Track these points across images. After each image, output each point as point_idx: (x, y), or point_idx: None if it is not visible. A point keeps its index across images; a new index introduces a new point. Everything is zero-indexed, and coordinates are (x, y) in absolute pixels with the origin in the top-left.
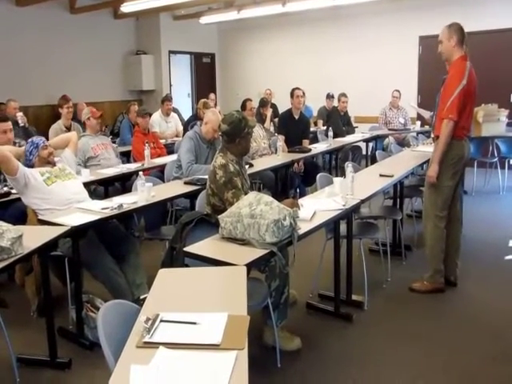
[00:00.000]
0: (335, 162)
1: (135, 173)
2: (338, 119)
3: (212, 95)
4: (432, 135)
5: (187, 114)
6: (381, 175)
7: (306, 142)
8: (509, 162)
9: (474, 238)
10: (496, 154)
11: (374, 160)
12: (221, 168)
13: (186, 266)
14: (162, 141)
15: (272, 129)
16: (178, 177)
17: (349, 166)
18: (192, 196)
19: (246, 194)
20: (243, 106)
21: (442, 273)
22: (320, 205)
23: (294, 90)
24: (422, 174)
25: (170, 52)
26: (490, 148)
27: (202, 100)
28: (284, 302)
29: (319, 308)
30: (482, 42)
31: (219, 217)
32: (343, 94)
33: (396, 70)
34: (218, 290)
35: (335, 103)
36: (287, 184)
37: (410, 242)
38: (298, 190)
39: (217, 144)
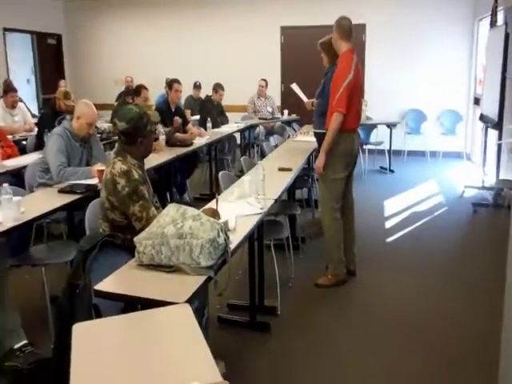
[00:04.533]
0: (214, 153)
1: None
2: (212, 110)
3: (62, 82)
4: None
5: (28, 103)
6: (280, 169)
7: (191, 128)
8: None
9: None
10: None
11: (245, 150)
12: (122, 176)
13: (96, 308)
14: (10, 137)
15: None
16: (46, 183)
17: (259, 164)
18: (70, 207)
19: (152, 204)
20: (137, 93)
21: (343, 263)
22: (237, 210)
23: (173, 82)
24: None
25: (6, 30)
26: None
27: (62, 89)
28: (205, 325)
29: (233, 321)
30: None
31: (135, 239)
32: (220, 86)
33: (261, 59)
34: (167, 347)
35: (209, 92)
36: (171, 181)
37: (303, 234)
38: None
39: (92, 141)
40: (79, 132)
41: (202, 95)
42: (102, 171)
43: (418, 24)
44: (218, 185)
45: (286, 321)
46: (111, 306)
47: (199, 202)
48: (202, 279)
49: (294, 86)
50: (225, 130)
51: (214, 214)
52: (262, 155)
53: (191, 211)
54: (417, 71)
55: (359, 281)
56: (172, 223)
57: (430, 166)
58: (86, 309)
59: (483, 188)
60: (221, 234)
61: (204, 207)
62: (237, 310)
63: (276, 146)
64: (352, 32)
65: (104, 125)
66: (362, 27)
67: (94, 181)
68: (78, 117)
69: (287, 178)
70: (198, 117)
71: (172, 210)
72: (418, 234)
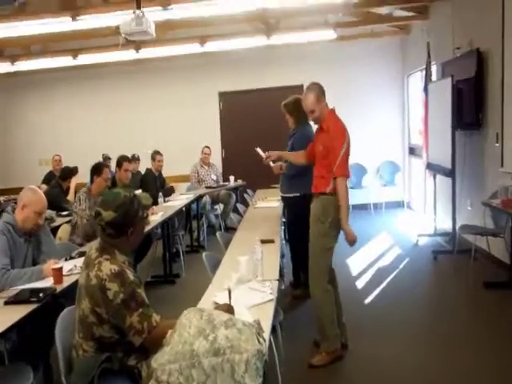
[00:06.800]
0: (166, 231)
1: None
2: (153, 183)
3: None
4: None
5: None
6: (263, 242)
7: None
8: None
9: None
10: None
11: (188, 219)
12: (114, 279)
13: None
14: None
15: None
16: None
17: (256, 242)
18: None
19: None
20: (98, 171)
21: (338, 337)
22: (244, 299)
23: (123, 160)
24: None
25: None
26: None
27: None
28: None
29: None
30: (275, 96)
31: (155, 365)
32: (158, 152)
33: (200, 126)
34: None
35: (148, 164)
36: None
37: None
38: None
39: (42, 234)
40: (25, 224)
41: (142, 169)
42: (59, 270)
43: (351, 83)
44: (171, 265)
45: None
46: None
47: (152, 286)
48: None
49: (259, 150)
50: (176, 203)
51: (230, 311)
52: (209, 225)
53: (218, 315)
54: (354, 127)
55: (355, 353)
56: (201, 335)
57: (375, 217)
58: None
59: (436, 235)
60: (260, 339)
61: (217, 303)
62: None
63: (223, 216)
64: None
65: None
66: (299, 88)
67: (48, 282)
68: (24, 206)
69: (275, 251)
70: (138, 192)
71: (193, 316)
72: (391, 290)
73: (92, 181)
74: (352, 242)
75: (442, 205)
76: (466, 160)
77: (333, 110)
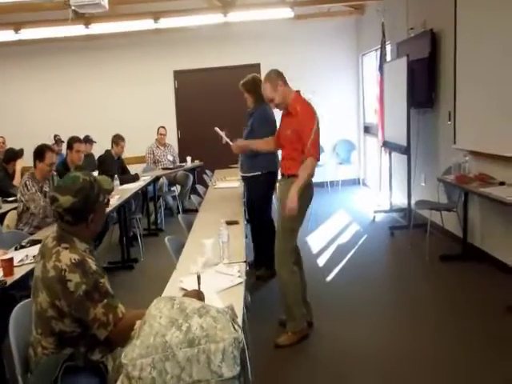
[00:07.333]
0: (123, 215)
1: None
2: (113, 166)
3: None
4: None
5: None
6: (228, 223)
7: None
8: None
9: None
10: None
11: (145, 202)
12: (74, 269)
13: None
14: None
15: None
16: None
17: (221, 224)
18: None
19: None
20: (40, 156)
21: (305, 316)
22: (212, 283)
23: (74, 141)
24: None
25: None
26: None
27: None
28: None
29: None
30: (232, 75)
31: (125, 361)
32: (120, 137)
33: (155, 106)
34: None
35: (107, 146)
36: None
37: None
38: None
39: None
40: None
41: (96, 151)
42: (8, 261)
43: (308, 62)
44: (129, 250)
45: None
46: None
47: (109, 272)
48: None
49: (218, 129)
50: (132, 186)
51: (200, 297)
52: (166, 207)
53: (190, 303)
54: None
55: (320, 332)
56: (173, 326)
57: (332, 195)
58: None
59: (392, 211)
60: (235, 326)
61: (185, 289)
62: None
63: (180, 197)
64: None
65: None
66: (256, 67)
67: None
68: None
69: (240, 233)
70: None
71: (164, 306)
72: (351, 267)
73: (35, 166)
74: (290, 210)
75: (396, 181)
76: (420, 137)
77: (298, 93)
